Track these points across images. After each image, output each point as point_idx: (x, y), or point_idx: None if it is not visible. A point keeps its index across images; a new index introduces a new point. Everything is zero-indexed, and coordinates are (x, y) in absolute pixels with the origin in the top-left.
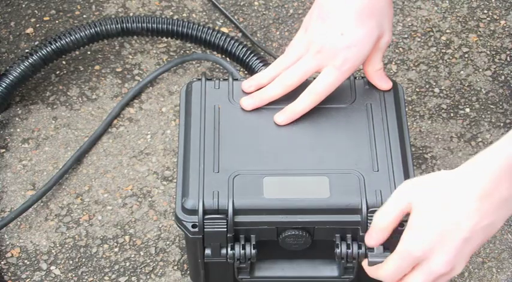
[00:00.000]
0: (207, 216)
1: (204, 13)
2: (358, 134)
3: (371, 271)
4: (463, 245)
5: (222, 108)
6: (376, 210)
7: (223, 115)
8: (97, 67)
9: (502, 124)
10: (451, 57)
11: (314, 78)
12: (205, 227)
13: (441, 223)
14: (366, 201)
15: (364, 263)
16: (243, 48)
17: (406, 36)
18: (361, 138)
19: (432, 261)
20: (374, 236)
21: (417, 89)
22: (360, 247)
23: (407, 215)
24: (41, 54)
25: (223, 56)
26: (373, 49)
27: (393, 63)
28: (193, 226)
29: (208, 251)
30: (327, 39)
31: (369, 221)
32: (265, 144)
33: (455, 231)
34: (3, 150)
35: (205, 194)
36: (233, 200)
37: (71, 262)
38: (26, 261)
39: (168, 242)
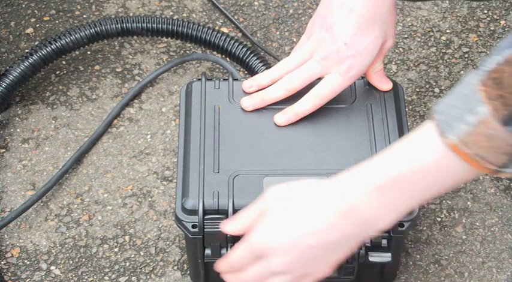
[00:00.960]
0: (207, 216)
1: (204, 13)
2: (358, 134)
3: (219, 263)
4: (305, 251)
5: (222, 108)
6: None
7: (223, 115)
8: (97, 67)
9: None
10: (451, 57)
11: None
12: (205, 227)
13: (291, 227)
14: None
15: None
16: (243, 48)
17: (406, 36)
18: (361, 138)
19: (272, 258)
20: (233, 228)
21: (417, 89)
22: (360, 247)
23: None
24: (41, 54)
25: (223, 56)
26: (376, 55)
27: (393, 63)
28: (193, 226)
29: (208, 251)
30: (331, 48)
31: None
32: (265, 144)
33: (301, 237)
34: (3, 150)
35: (205, 194)
36: (233, 200)
37: (71, 262)
38: (26, 261)
39: (168, 242)
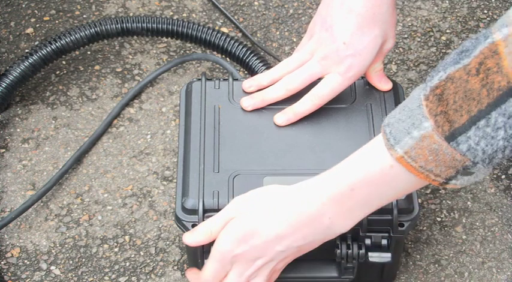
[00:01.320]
0: (207, 215)
1: (204, 13)
2: (358, 134)
3: (194, 276)
4: (274, 255)
5: (222, 108)
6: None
7: (223, 115)
8: (97, 67)
9: None
10: None
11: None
12: None
13: (255, 237)
14: None
15: (190, 273)
16: (243, 48)
17: (406, 36)
18: (361, 138)
19: (242, 264)
20: (195, 238)
21: None
22: (360, 247)
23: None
24: (41, 54)
25: (223, 56)
26: (376, 54)
27: (393, 63)
28: (193, 226)
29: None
30: (331, 48)
31: (368, 221)
32: (265, 144)
33: (267, 246)
34: (3, 150)
35: (205, 194)
36: None
37: (71, 262)
38: (26, 261)
39: (168, 242)
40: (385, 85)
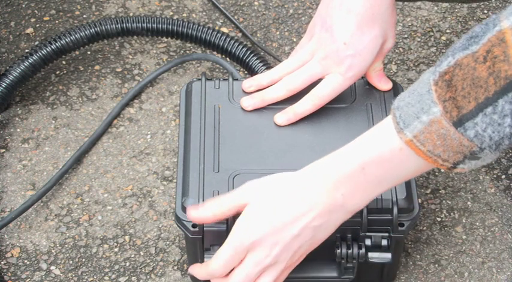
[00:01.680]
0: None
1: (204, 13)
2: (358, 133)
3: (200, 269)
4: (290, 241)
5: (222, 108)
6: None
7: (223, 115)
8: (97, 67)
9: None
10: None
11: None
12: (205, 226)
13: (272, 220)
14: None
15: (193, 267)
16: (243, 48)
17: (406, 36)
18: None
19: (258, 252)
20: (201, 214)
21: None
22: (360, 247)
23: None
24: (41, 54)
25: (223, 56)
26: (377, 54)
27: (393, 63)
28: (194, 226)
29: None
30: (331, 48)
31: (368, 221)
32: (265, 143)
33: (284, 228)
34: (3, 150)
35: (205, 194)
36: None
37: (71, 262)
38: (26, 261)
39: (168, 242)
40: (385, 85)
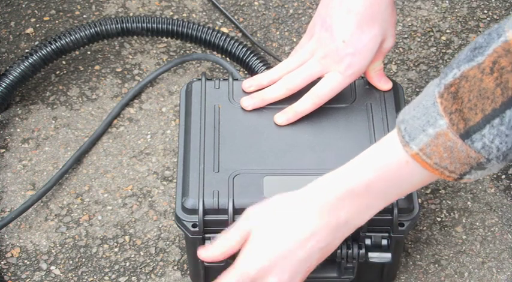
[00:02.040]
0: (207, 216)
1: (204, 13)
2: (358, 133)
3: None
4: (298, 266)
5: (222, 108)
6: None
7: (223, 115)
8: (97, 67)
9: None
10: (451, 57)
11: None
12: (205, 226)
13: (277, 247)
14: None
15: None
16: (243, 48)
17: (406, 36)
18: (361, 138)
19: (268, 279)
20: (210, 254)
21: (417, 89)
22: (360, 247)
23: None
24: (41, 54)
25: (223, 56)
26: (376, 53)
27: (393, 63)
28: (194, 225)
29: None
30: (331, 47)
31: (368, 220)
32: (265, 143)
33: (291, 254)
34: (3, 150)
35: (205, 194)
36: (233, 200)
37: (71, 262)
38: (26, 261)
39: (168, 242)
40: (385, 85)
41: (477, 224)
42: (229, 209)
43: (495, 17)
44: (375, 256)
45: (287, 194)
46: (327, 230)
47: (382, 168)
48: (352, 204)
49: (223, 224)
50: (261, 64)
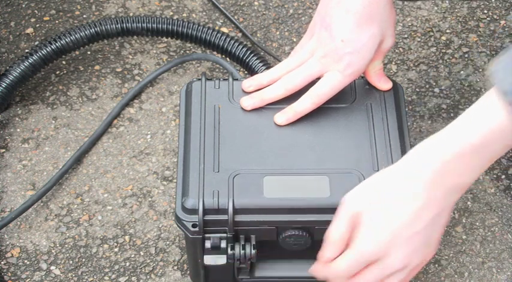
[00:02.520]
0: (207, 216)
1: (204, 13)
2: (358, 133)
3: (319, 270)
4: (415, 239)
5: (222, 108)
6: None
7: (223, 115)
8: (97, 67)
9: None
10: (451, 57)
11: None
12: (205, 226)
13: (391, 222)
14: None
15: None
16: (243, 48)
17: (406, 36)
18: (361, 137)
19: (387, 259)
20: (329, 250)
21: (417, 89)
22: None
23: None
24: (41, 54)
25: (223, 56)
26: (375, 53)
27: (393, 63)
28: (194, 225)
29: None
30: (330, 47)
31: None
32: (266, 143)
33: (406, 227)
34: (3, 150)
35: (205, 194)
36: (233, 199)
37: (71, 262)
38: (26, 261)
39: (168, 242)
40: (384, 84)
41: (477, 224)
42: (229, 209)
43: (495, 17)
44: None
45: (385, 173)
46: (436, 198)
47: (487, 128)
48: (458, 167)
49: (223, 224)
50: (261, 64)
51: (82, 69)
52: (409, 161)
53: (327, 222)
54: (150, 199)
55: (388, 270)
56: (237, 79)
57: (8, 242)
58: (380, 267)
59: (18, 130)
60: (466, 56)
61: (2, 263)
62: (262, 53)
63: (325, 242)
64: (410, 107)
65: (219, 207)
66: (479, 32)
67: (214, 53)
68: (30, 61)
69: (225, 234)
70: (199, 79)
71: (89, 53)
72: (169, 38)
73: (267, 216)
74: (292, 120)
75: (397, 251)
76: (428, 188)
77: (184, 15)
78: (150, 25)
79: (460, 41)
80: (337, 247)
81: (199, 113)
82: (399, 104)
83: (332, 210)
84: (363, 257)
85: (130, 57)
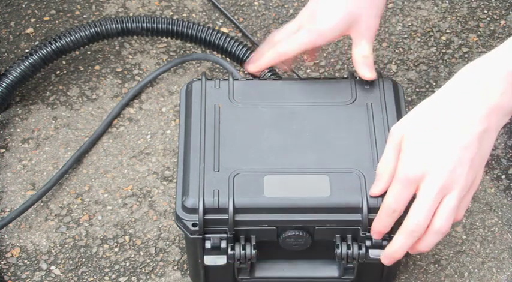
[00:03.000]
0: (207, 215)
1: (204, 13)
2: (358, 133)
3: (377, 219)
4: (460, 154)
5: (223, 108)
6: (376, 209)
7: (223, 114)
8: (97, 67)
9: None
10: (451, 57)
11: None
12: (205, 225)
13: (434, 138)
14: (367, 200)
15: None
16: (243, 48)
17: (406, 36)
18: (361, 137)
19: (432, 175)
20: (377, 184)
21: (417, 89)
22: (360, 248)
23: None
24: (41, 54)
25: (223, 56)
26: (354, 32)
27: (393, 63)
28: (194, 225)
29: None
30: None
31: (369, 220)
32: (266, 143)
33: (452, 144)
34: (3, 150)
35: (205, 193)
36: (233, 199)
37: (71, 262)
38: (26, 261)
39: (168, 242)
40: (368, 74)
41: (477, 224)
42: (230, 208)
43: (495, 17)
44: (375, 253)
45: (427, 106)
46: (482, 114)
47: None
48: (506, 87)
49: (224, 223)
50: None
51: (82, 69)
52: (458, 80)
53: (327, 222)
54: (150, 199)
55: (436, 187)
56: (237, 79)
57: (8, 242)
58: (427, 186)
59: (18, 130)
60: (466, 56)
61: (2, 263)
62: None
63: (377, 177)
64: (410, 107)
65: (219, 206)
66: (479, 32)
67: (214, 53)
68: (30, 61)
69: (225, 235)
70: (199, 79)
71: (89, 53)
72: (169, 38)
73: (267, 215)
74: (262, 66)
75: (442, 166)
76: (473, 108)
77: (184, 15)
78: (150, 25)
79: (460, 41)
80: (385, 179)
81: (199, 113)
82: (399, 104)
83: (332, 209)
84: (408, 179)
85: (131, 57)
